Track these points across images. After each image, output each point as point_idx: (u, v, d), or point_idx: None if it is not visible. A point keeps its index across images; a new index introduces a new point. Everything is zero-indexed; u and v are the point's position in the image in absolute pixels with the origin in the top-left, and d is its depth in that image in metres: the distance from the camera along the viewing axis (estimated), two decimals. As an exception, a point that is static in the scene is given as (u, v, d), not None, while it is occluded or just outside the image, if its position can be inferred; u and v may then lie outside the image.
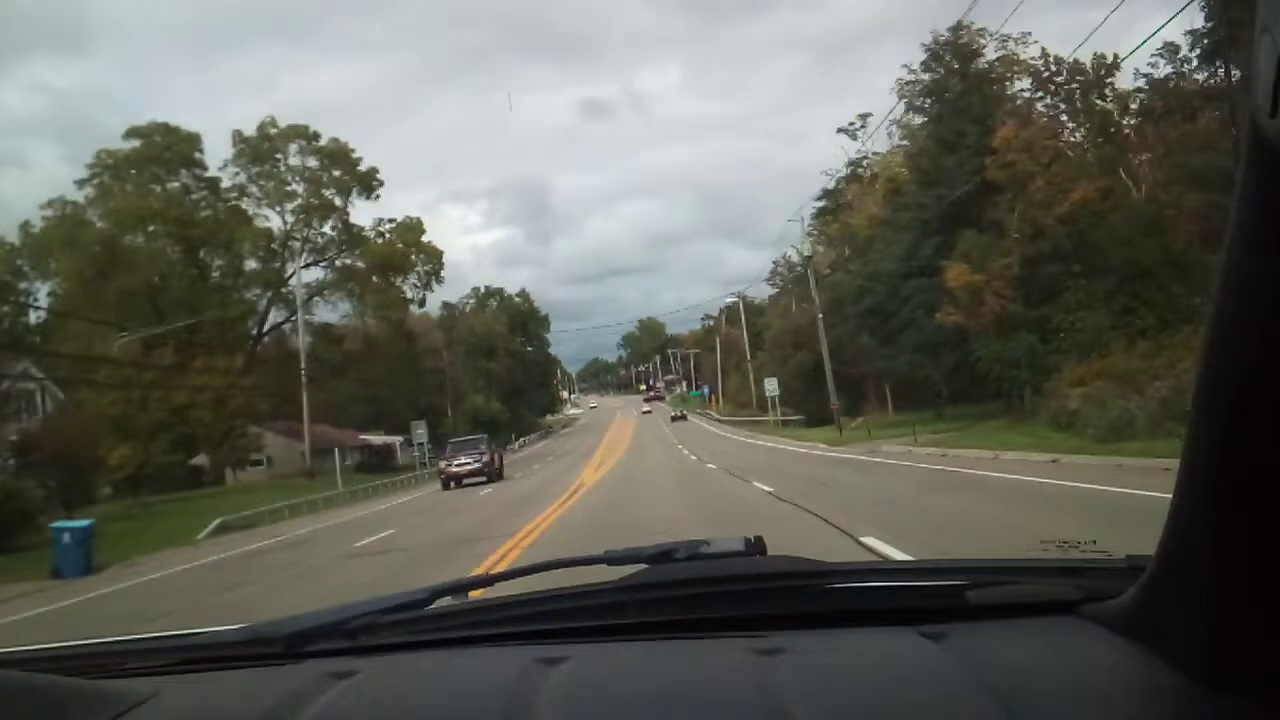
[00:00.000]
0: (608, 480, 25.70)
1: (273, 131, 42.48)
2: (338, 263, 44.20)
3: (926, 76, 31.82)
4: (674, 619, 1.15)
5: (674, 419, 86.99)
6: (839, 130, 46.85)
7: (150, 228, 38.39)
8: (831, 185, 48.09)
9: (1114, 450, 14.55)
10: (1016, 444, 18.44)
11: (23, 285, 39.56)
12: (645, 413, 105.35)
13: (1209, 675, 0.75)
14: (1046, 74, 30.04)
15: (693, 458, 32.62)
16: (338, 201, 43.81)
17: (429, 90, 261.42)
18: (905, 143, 40.00)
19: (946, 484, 14.02)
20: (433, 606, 1.28)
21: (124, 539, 21.23)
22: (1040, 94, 30.80)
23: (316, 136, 42.99)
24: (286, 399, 45.85)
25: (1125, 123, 30.43)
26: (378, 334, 46.21)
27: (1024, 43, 30.55)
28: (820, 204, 48.16)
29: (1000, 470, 14.88)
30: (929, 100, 32.08)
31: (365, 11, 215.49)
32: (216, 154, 43.93)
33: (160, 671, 1.22)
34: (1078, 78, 29.47)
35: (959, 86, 29.85)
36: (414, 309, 46.25)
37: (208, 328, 36.43)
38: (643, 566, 1.25)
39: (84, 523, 18.30)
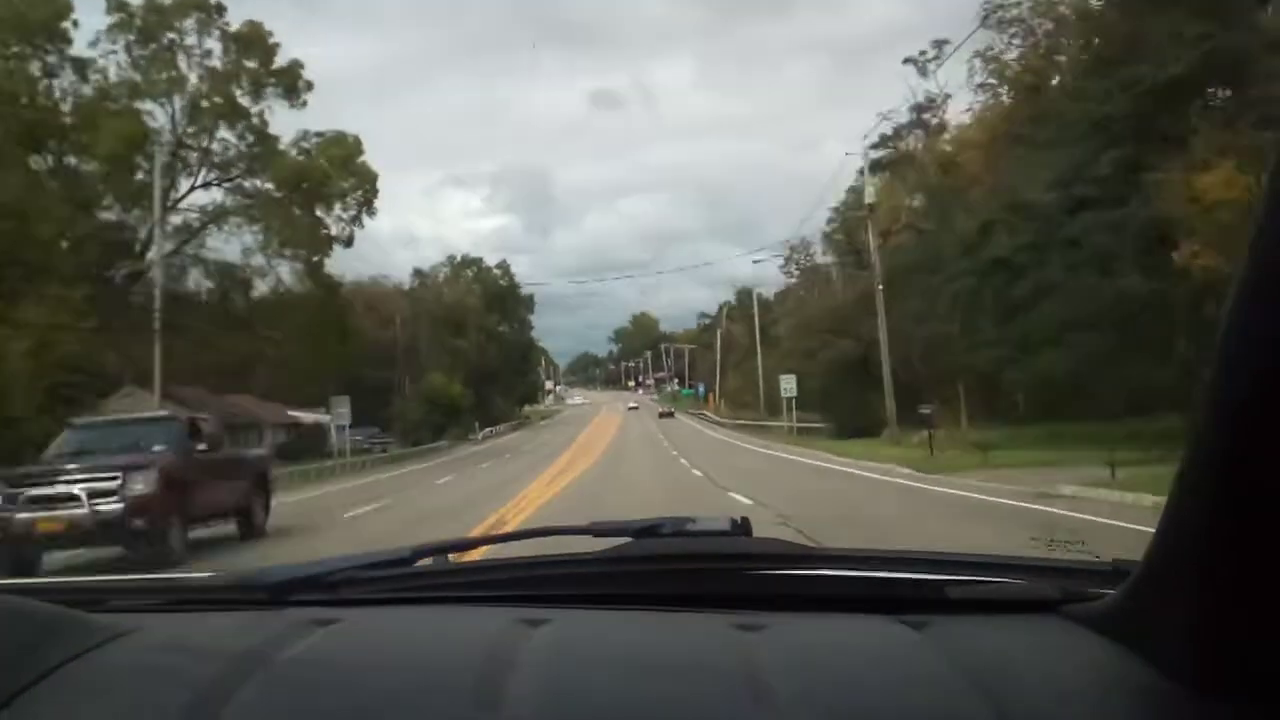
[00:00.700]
0: (560, 503, 16.01)
1: (165, 1, 31.92)
2: (244, 182, 33.27)
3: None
4: (657, 592, 1.15)
5: (661, 415, 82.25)
6: (905, 61, 36.41)
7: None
8: (892, 131, 37.52)
9: None
10: None
11: None
12: (631, 408, 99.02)
13: (1192, 677, 0.75)
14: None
15: (696, 473, 22.47)
16: (247, 103, 33.03)
17: (436, 72, 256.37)
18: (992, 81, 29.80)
19: None
20: (416, 565, 1.29)
21: None
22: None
23: (221, 9, 32.37)
24: (177, 356, 35.41)
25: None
26: (300, 287, 35.43)
27: None
28: (877, 154, 37.69)
29: None
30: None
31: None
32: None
33: (143, 610, 1.23)
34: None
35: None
36: (341, 248, 35.11)
37: (36, 248, 25.64)
38: (628, 540, 1.24)
39: None
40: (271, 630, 1.03)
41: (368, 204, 33.47)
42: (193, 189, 33.61)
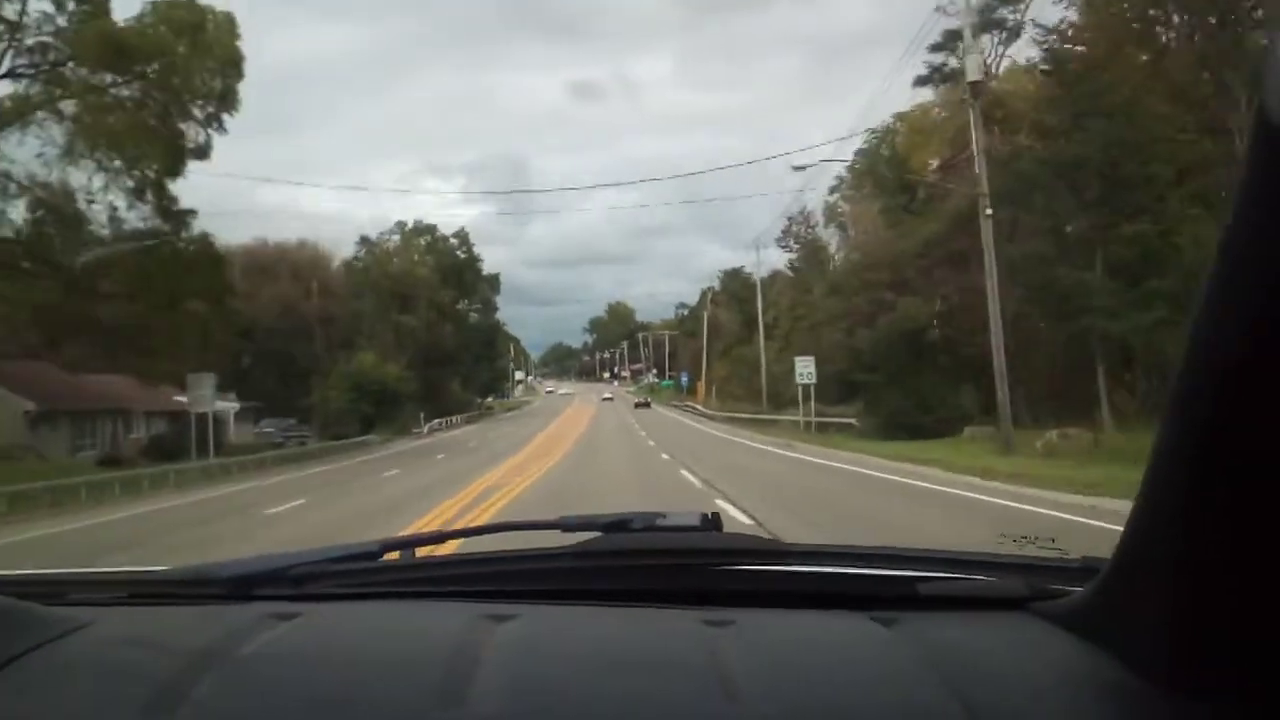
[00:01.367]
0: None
1: None
2: (62, 69, 23.18)
3: None
4: (626, 588, 1.14)
5: (637, 405, 77.65)
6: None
7: None
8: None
9: None
10: None
11: None
12: (606, 399, 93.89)
13: (1162, 674, 0.75)
14: None
15: (697, 483, 13.47)
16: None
17: (413, 61, 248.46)
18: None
19: None
20: (381, 560, 1.27)
21: None
22: None
23: None
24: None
25: None
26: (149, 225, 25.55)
27: None
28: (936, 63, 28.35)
29: None
30: None
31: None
32: None
33: (101, 603, 1.19)
34: None
35: None
36: (195, 162, 25.02)
37: None
38: (597, 534, 1.22)
39: None
40: (232, 624, 1.00)
41: (226, 96, 23.63)
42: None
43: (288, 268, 57.35)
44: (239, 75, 23.94)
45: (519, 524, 1.42)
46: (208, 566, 1.27)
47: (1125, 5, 21.59)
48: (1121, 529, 0.77)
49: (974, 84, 17.74)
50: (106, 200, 24.25)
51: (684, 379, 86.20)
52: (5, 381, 30.20)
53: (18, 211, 25.06)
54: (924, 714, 0.79)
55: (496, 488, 16.92)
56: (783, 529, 9.52)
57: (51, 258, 24.66)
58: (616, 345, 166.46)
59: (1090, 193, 18.82)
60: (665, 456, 24.15)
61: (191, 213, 25.19)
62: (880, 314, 26.99)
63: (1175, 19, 21.26)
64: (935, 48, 27.65)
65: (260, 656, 0.92)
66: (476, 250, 73.26)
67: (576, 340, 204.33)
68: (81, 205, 24.76)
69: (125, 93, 22.88)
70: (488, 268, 77.26)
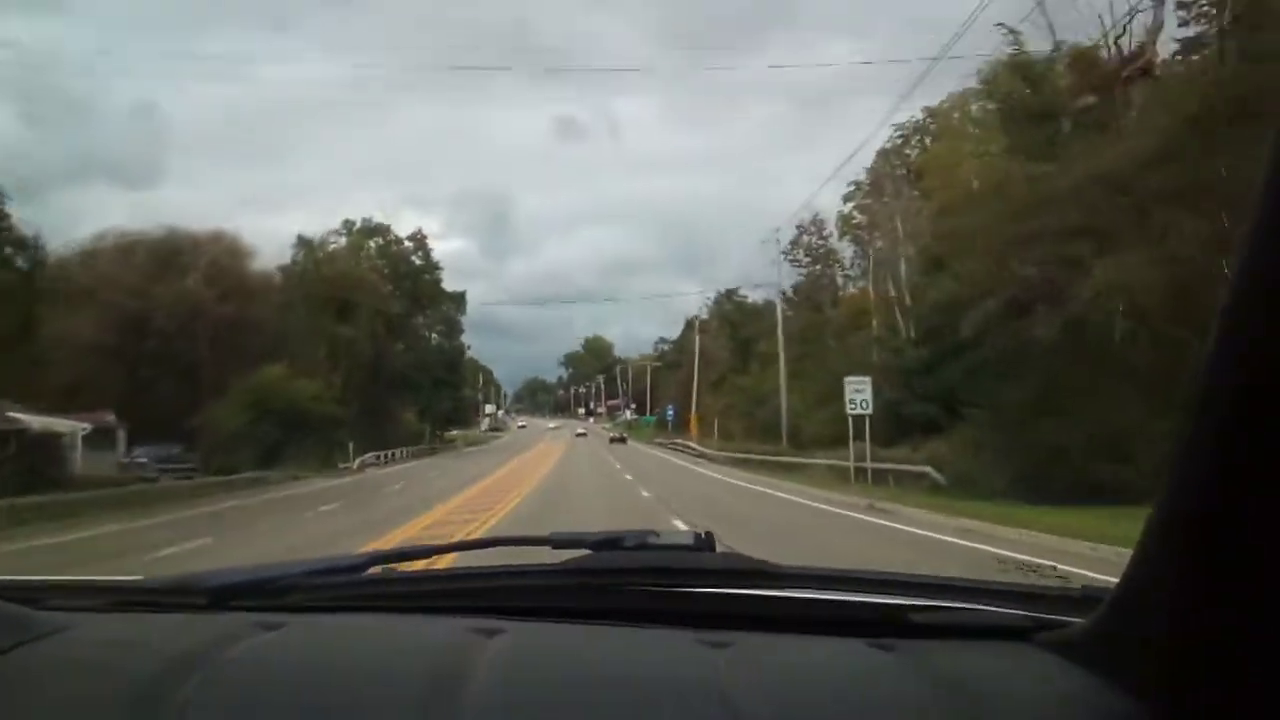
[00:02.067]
0: None
1: None
2: None
3: None
4: (617, 607, 1.11)
5: (612, 440, 71.39)
6: None
7: None
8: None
9: None
10: None
11: None
12: (580, 434, 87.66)
13: (1165, 707, 0.74)
14: None
15: None
16: None
17: (398, 92, 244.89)
18: None
19: None
20: (367, 573, 1.24)
21: None
22: None
23: None
24: None
25: None
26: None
27: None
28: None
29: None
30: None
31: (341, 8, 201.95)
32: None
33: (80, 609, 1.16)
34: None
35: None
36: None
37: None
38: (588, 552, 1.19)
39: None
40: (211, 632, 0.99)
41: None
42: None
43: (206, 264, 47.48)
44: None
45: (509, 539, 1.39)
46: (190, 576, 1.23)
47: None
48: None
49: None
50: None
51: (669, 414, 76.42)
52: None
53: None
54: None
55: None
56: None
57: None
58: (592, 380, 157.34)
59: None
60: (680, 524, 14.22)
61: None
62: (1053, 286, 16.63)
63: None
64: None
65: (242, 664, 0.91)
66: (439, 262, 63.11)
67: (552, 375, 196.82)
68: None
69: None
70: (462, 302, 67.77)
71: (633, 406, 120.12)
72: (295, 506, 21.05)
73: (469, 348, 76.45)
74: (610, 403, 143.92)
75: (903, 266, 35.24)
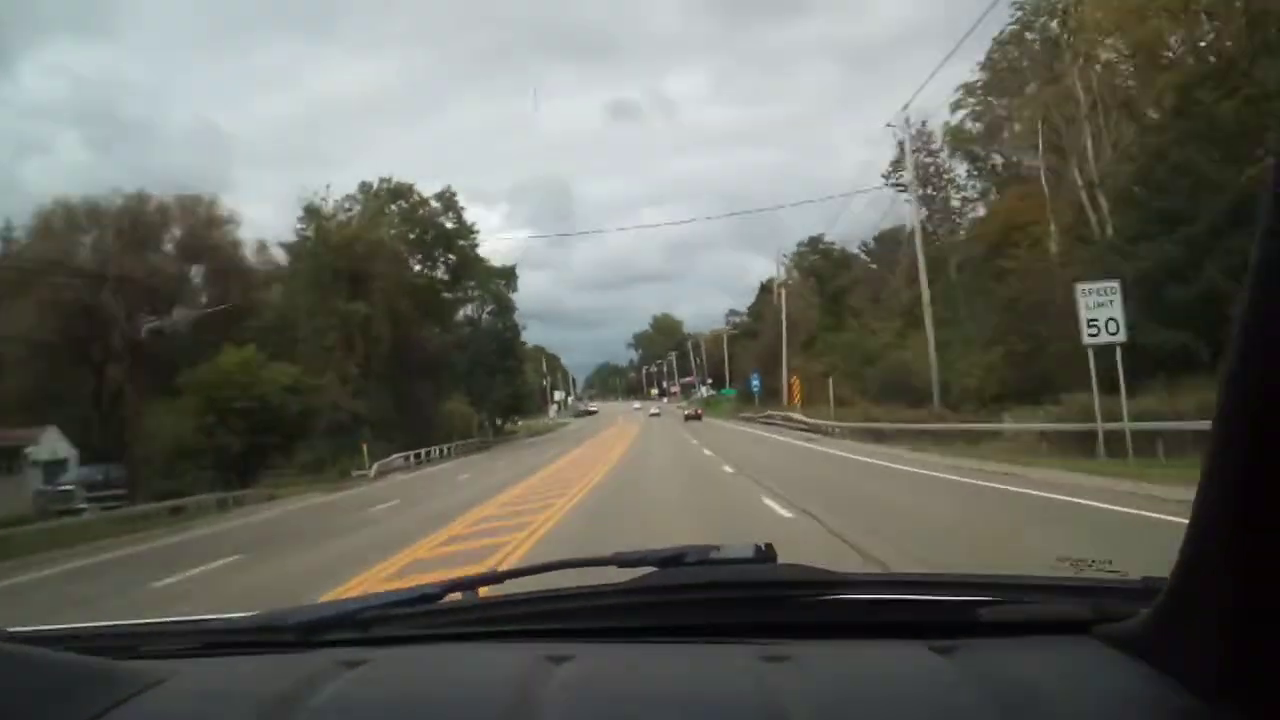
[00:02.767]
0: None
1: None
2: None
3: None
4: (682, 623, 1.14)
5: (688, 418, 66.66)
6: None
7: None
8: None
9: None
10: None
11: None
12: (654, 415, 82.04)
13: (1224, 699, 0.72)
14: None
15: None
16: None
17: (453, 89, 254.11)
18: None
19: None
20: (443, 601, 1.29)
21: None
22: None
23: None
24: None
25: None
26: None
27: None
28: None
29: None
30: None
31: (387, 8, 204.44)
32: None
33: (173, 655, 1.21)
34: None
35: None
36: None
37: None
38: (652, 569, 1.22)
39: None
40: (301, 673, 1.03)
41: None
42: None
43: (182, 237, 39.51)
44: None
45: (575, 561, 1.41)
46: (277, 614, 1.29)
47: None
48: None
49: None
50: None
51: (754, 384, 66.73)
52: None
53: None
54: None
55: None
56: None
57: None
58: (663, 358, 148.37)
59: None
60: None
61: None
62: None
63: None
64: None
65: (329, 706, 0.94)
66: (474, 224, 54.11)
67: (622, 359, 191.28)
68: None
69: None
70: (531, 294, 58.89)
71: (708, 381, 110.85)
72: (143, 569, 12.19)
73: (524, 327, 67.41)
74: (683, 380, 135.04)
75: (1089, 142, 24.90)
